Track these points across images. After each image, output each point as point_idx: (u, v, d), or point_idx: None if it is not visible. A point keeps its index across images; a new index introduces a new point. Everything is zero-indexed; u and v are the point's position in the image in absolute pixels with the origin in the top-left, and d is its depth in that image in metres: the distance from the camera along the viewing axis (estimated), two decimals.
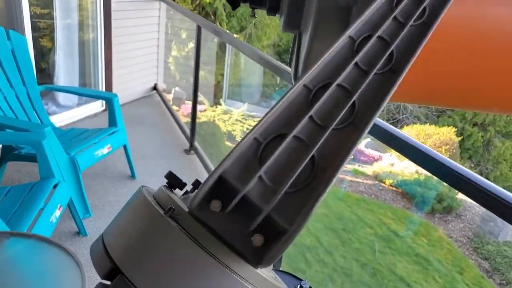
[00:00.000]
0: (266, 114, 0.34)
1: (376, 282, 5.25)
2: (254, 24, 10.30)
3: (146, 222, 0.35)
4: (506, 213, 0.97)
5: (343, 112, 0.35)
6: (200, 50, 3.56)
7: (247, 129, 8.22)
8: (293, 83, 0.59)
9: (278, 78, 9.31)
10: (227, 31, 9.33)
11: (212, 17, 9.46)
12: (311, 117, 0.35)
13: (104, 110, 4.26)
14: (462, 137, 10.42)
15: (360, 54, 0.37)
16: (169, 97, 6.37)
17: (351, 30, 0.37)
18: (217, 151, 5.99)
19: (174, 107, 6.14)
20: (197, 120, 3.78)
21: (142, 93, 5.00)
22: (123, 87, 4.58)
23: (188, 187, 0.48)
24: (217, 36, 3.94)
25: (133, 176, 3.19)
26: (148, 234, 0.34)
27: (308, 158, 0.33)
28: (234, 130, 8.02)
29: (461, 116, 10.95)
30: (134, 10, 4.45)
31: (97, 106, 4.31)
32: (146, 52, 4.86)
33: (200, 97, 7.62)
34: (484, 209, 6.92)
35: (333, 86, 0.36)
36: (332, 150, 0.34)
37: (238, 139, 8.32)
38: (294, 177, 0.33)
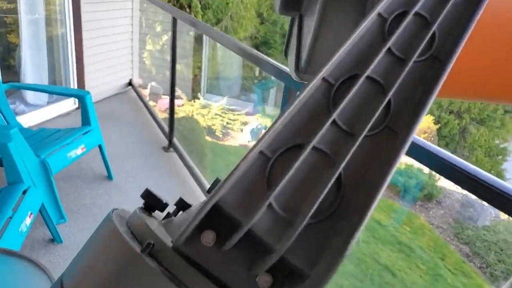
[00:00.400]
0: (276, 120, 0.26)
1: (360, 271, 5.26)
2: (230, 16, 10.16)
3: (117, 263, 0.28)
4: (492, 198, 0.98)
5: (377, 114, 0.27)
6: (176, 43, 3.42)
7: (227, 123, 8.11)
8: (294, 76, 0.49)
9: (258, 71, 9.21)
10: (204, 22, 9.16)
11: (187, 9, 9.26)
12: (334, 121, 0.27)
13: (77, 108, 4.07)
14: (439, 125, 10.59)
15: (394, 37, 0.29)
16: (146, 92, 6.21)
17: (381, 6, 0.29)
18: (197, 147, 5.87)
19: (151, 103, 5.97)
20: (175, 116, 3.66)
21: (116, 89, 4.82)
22: (96, 84, 4.40)
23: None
24: (194, 28, 3.80)
25: (109, 177, 3.05)
26: (119, 278, 0.27)
27: (334, 178, 0.25)
28: (214, 125, 7.90)
29: (437, 104, 11.12)
30: (105, 3, 4.26)
31: (70, 104, 4.13)
32: (119, 46, 4.68)
33: (178, 92, 7.46)
34: (463, 195, 7.05)
35: (362, 79, 0.28)
36: (364, 165, 0.26)
37: (218, 133, 8.19)
38: (316, 204, 0.25)
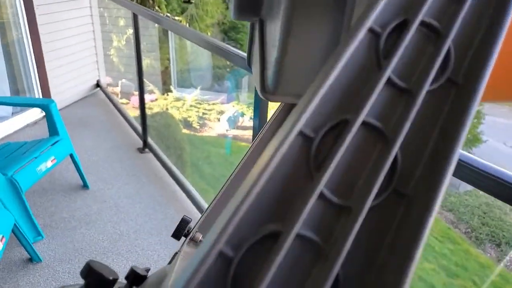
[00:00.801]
0: (234, 204, 0.18)
1: None
2: (195, 4, 9.92)
3: None
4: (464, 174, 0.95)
5: (380, 177, 0.19)
6: (140, 38, 3.27)
7: (203, 113, 7.97)
8: (261, 95, 0.41)
9: None
10: (168, 14, 8.90)
11: (151, 1, 8.97)
12: (322, 195, 0.19)
13: (45, 116, 3.89)
14: None
15: (393, 62, 0.21)
16: (117, 90, 6.01)
17: (371, 18, 0.21)
18: (175, 143, 5.75)
19: (124, 101, 5.80)
20: (150, 112, 3.54)
21: (84, 93, 4.64)
22: (61, 89, 4.21)
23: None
24: (156, 23, 3.65)
25: (85, 185, 2.93)
26: None
27: (330, 276, 0.18)
28: (190, 117, 7.76)
29: None
30: (60, 3, 4.03)
31: (36, 112, 3.94)
32: (82, 47, 4.47)
33: (150, 86, 7.28)
34: None
35: (355, 126, 0.20)
36: (368, 251, 0.19)
37: (195, 125, 8.07)
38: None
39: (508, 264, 5.02)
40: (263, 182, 0.18)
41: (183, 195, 2.85)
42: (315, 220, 0.19)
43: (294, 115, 0.19)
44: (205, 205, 2.65)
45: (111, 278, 0.31)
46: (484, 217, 5.77)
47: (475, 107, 0.20)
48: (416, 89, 0.21)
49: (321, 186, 0.19)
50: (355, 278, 0.18)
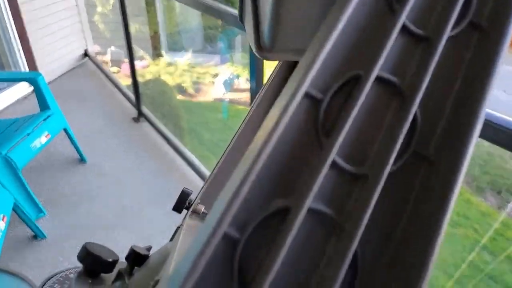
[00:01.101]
0: (237, 179, 0.17)
1: None
2: None
3: None
4: None
5: (399, 139, 0.18)
6: (125, 2, 3.12)
7: (197, 78, 7.83)
8: (258, 55, 0.36)
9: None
10: None
11: None
12: (334, 163, 0.17)
13: (34, 91, 3.79)
14: None
15: (408, 5, 0.18)
16: (106, 59, 5.85)
17: None
18: (171, 110, 5.67)
19: (115, 69, 5.66)
20: (142, 80, 3.44)
21: (72, 63, 4.50)
22: (48, 61, 4.07)
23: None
24: None
25: (83, 159, 2.88)
26: None
27: (348, 253, 0.16)
28: (184, 82, 7.63)
29: None
30: None
31: (25, 86, 3.83)
32: (65, 15, 4.29)
33: (140, 52, 7.10)
34: None
35: (368, 82, 0.18)
36: (386, 223, 0.18)
37: (190, 90, 7.98)
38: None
39: (510, 212, 5.11)
40: (267, 154, 0.17)
41: (183, 163, 2.82)
42: (327, 191, 0.17)
43: (298, 74, 0.17)
44: (206, 171, 2.62)
45: (110, 260, 0.29)
46: (485, 166, 5.81)
47: (504, 52, 0.18)
48: (435, 36, 0.18)
49: (333, 154, 0.17)
50: (373, 254, 0.17)
